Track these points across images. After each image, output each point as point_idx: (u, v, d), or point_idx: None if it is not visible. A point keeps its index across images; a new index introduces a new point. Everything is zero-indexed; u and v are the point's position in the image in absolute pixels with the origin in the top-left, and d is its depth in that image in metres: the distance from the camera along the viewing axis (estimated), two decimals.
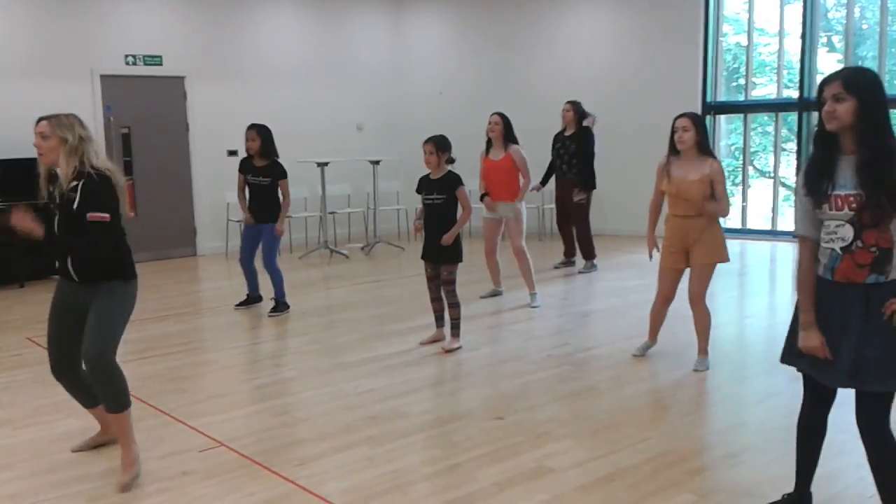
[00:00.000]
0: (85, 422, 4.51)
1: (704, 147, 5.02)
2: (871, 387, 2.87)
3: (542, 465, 3.82)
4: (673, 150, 5.06)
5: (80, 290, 3.77)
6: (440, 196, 5.67)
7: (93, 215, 3.60)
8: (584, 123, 8.75)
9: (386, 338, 6.35)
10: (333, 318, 7.04)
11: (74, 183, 3.63)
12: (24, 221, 3.67)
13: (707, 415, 4.66)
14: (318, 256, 10.43)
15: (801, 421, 3.21)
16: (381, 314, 7.27)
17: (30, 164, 9.47)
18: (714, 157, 5.06)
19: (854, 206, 2.80)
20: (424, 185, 5.80)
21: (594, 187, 8.90)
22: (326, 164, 10.41)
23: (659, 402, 4.71)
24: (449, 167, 5.73)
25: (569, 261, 9.24)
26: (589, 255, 8.95)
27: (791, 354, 3.10)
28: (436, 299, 5.97)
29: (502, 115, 7.20)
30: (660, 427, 4.32)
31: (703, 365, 5.30)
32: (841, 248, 2.85)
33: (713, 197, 4.99)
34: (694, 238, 5.07)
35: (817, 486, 3.50)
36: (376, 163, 11.06)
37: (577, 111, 8.78)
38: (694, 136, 4.95)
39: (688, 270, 5.23)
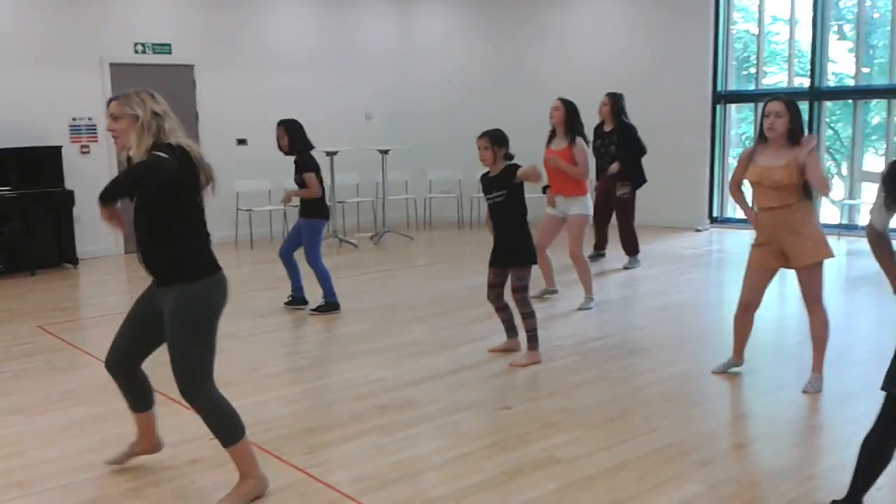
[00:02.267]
0: (96, 409, 4.56)
1: (796, 136, 4.44)
2: None
3: (550, 455, 3.83)
4: (762, 138, 4.54)
5: (159, 291, 3.41)
6: (500, 192, 5.15)
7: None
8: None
9: (395, 327, 6.36)
10: (342, 308, 7.04)
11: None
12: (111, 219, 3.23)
13: (715, 406, 4.65)
14: (326, 246, 10.38)
15: (868, 444, 3.02)
16: (390, 303, 7.28)
17: (41, 152, 9.54)
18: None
19: None
20: (485, 185, 5.27)
21: (642, 181, 8.55)
22: (335, 152, 10.41)
23: (667, 393, 4.70)
24: (507, 163, 5.16)
25: (598, 253, 8.94)
26: (632, 250, 8.65)
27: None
28: (501, 308, 5.45)
29: (565, 101, 6.62)
30: (668, 418, 4.32)
31: (814, 385, 4.61)
32: None
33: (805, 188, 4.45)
34: (789, 233, 4.46)
35: (824, 479, 3.51)
36: (385, 152, 11.06)
37: (616, 104, 8.33)
38: (787, 122, 4.40)
39: (792, 274, 4.63)
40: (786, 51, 11.01)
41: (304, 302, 7.08)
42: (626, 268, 8.60)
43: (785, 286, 7.56)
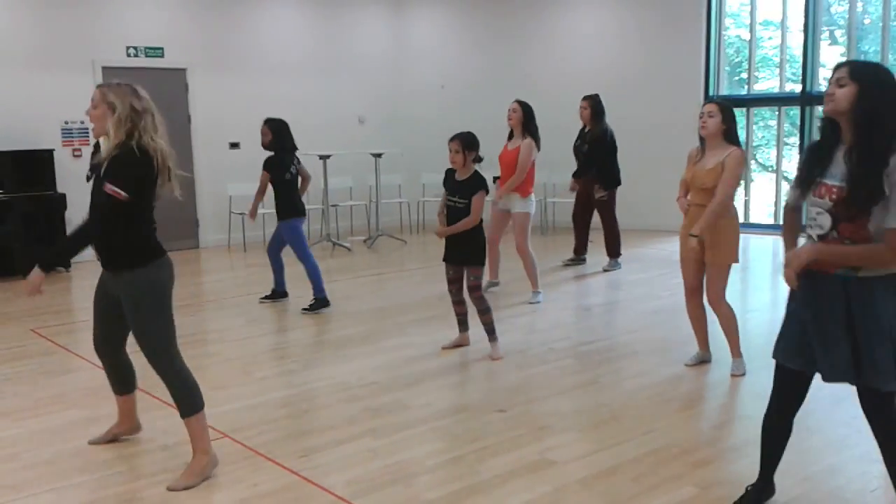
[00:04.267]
0: (88, 412, 4.54)
1: (730, 136, 4.71)
2: (871, 384, 2.86)
3: (544, 458, 3.83)
4: (702, 141, 4.83)
5: (108, 277, 3.66)
6: (462, 200, 5.30)
7: (108, 187, 3.36)
8: None
9: (388, 330, 6.36)
10: (336, 311, 7.04)
11: (114, 153, 3.43)
12: (36, 289, 3.55)
13: (709, 408, 4.67)
14: (320, 249, 10.42)
15: (766, 420, 3.19)
16: (383, 307, 7.27)
17: (33, 155, 9.51)
18: (738, 146, 4.75)
19: (835, 196, 2.82)
20: (449, 184, 5.43)
21: (617, 184, 8.60)
22: (328, 156, 10.41)
23: (661, 396, 4.72)
24: (476, 167, 5.37)
25: (578, 258, 8.95)
26: (614, 253, 8.68)
27: (785, 352, 3.06)
28: (458, 302, 5.61)
29: (521, 103, 6.98)
30: (662, 420, 4.32)
31: (738, 369, 5.02)
32: (818, 236, 2.88)
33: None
34: (706, 232, 4.76)
35: (818, 481, 3.52)
36: (378, 156, 11.06)
37: (594, 108, 8.42)
38: (719, 122, 4.67)
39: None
40: (777, 56, 11.06)
41: (285, 295, 7.36)
42: (605, 270, 8.60)
43: (777, 291, 7.59)
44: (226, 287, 8.59)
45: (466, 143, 5.29)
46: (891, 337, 2.79)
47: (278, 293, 7.41)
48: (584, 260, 8.98)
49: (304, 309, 6.98)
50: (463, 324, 5.73)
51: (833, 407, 4.30)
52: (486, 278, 5.75)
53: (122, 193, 3.36)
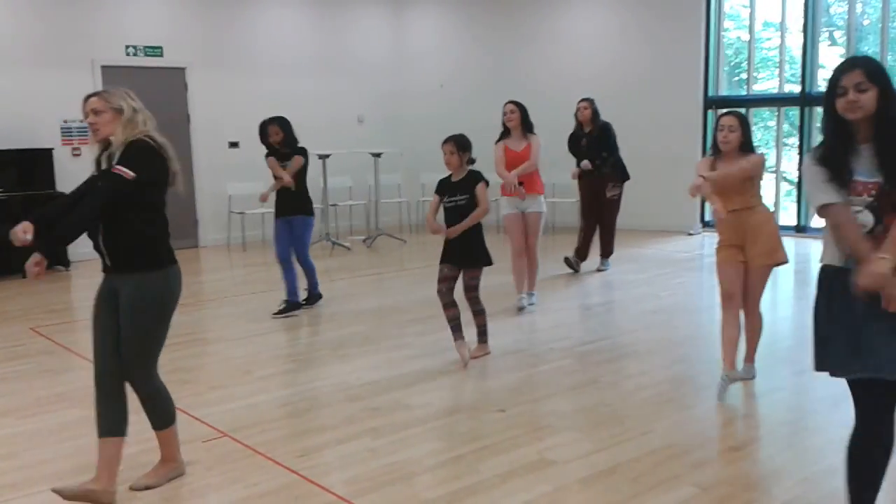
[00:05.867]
0: (87, 411, 4.50)
1: (748, 146, 4.64)
2: None
3: (543, 458, 3.83)
4: (715, 150, 4.67)
5: (112, 278, 3.49)
6: (463, 196, 5.31)
7: (116, 168, 3.33)
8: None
9: (388, 330, 6.36)
10: (335, 310, 7.05)
11: (128, 143, 3.41)
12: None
13: (709, 408, 4.66)
14: (319, 248, 10.42)
15: (854, 446, 2.87)
16: (382, 306, 7.27)
17: (32, 154, 9.50)
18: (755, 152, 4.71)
19: (873, 192, 2.77)
20: (446, 188, 5.40)
21: (628, 178, 8.55)
22: (328, 156, 10.41)
23: (661, 396, 4.71)
24: (470, 167, 5.41)
25: (577, 260, 8.66)
26: (608, 253, 8.65)
27: (833, 364, 2.84)
28: (450, 305, 5.37)
29: (518, 104, 6.98)
30: (662, 420, 4.32)
31: (749, 373, 4.88)
32: (864, 234, 2.79)
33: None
34: (749, 233, 4.63)
35: (819, 480, 3.52)
36: (377, 155, 11.06)
37: (594, 108, 8.41)
38: (739, 136, 4.59)
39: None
40: (777, 57, 11.06)
41: (300, 306, 7.02)
42: (598, 270, 8.57)
43: (777, 290, 7.59)
44: (225, 286, 8.59)
45: (461, 145, 5.35)
46: None
47: (292, 304, 6.94)
48: (578, 269, 8.77)
49: (305, 305, 7.06)
50: (457, 329, 5.40)
51: (833, 408, 4.30)
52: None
53: (129, 173, 3.31)
